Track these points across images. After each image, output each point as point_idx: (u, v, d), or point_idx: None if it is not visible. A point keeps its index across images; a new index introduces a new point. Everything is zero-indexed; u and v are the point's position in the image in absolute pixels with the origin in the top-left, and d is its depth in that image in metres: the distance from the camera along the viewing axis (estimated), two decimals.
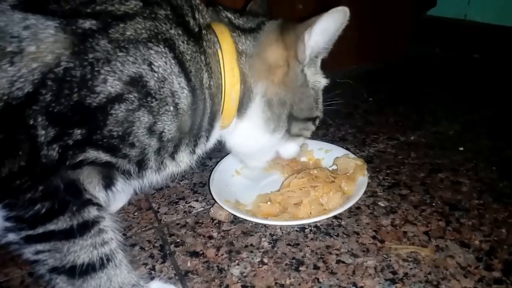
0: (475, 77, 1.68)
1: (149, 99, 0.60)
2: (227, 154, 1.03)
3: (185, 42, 0.65)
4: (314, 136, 1.17)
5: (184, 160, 0.72)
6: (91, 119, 0.57)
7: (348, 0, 1.66)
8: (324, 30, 0.71)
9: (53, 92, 0.53)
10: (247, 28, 0.77)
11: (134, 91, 0.58)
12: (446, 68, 1.82)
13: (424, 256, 0.74)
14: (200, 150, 0.75)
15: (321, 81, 0.82)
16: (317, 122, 0.86)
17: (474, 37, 1.83)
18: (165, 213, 0.92)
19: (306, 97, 0.79)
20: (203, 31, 0.69)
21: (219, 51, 0.72)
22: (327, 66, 0.83)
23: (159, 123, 0.63)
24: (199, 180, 1.03)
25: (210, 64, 0.69)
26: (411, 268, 0.72)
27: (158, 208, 0.94)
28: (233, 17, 0.77)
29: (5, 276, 0.75)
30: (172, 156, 0.69)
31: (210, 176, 0.95)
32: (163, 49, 0.61)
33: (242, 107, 0.76)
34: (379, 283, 0.69)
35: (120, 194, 0.92)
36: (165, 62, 0.61)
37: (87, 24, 0.56)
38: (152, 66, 0.60)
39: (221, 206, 0.85)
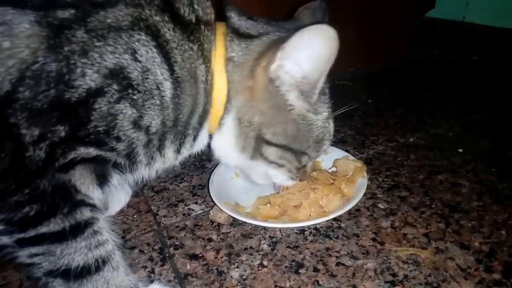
0: (474, 79, 1.69)
1: (130, 91, 0.58)
2: None
3: (171, 29, 0.61)
4: None
5: (170, 157, 0.70)
6: (73, 114, 0.55)
7: (347, 2, 1.67)
8: (302, 51, 0.63)
9: (31, 88, 0.52)
10: (245, 34, 0.71)
11: (114, 83, 0.56)
12: (445, 70, 1.82)
13: (424, 258, 0.74)
14: (186, 150, 0.72)
15: (316, 119, 0.73)
16: (303, 160, 0.77)
17: (473, 38, 1.83)
18: (164, 216, 0.91)
19: (282, 122, 0.71)
20: (201, 24, 0.66)
21: (213, 51, 0.68)
22: None
23: (145, 117, 0.60)
24: (198, 183, 1.03)
25: (208, 58, 0.67)
26: (411, 270, 0.72)
27: (157, 210, 0.94)
28: (237, 18, 0.72)
29: (3, 279, 0.75)
30: (159, 150, 0.67)
31: (209, 178, 0.94)
32: (144, 37, 0.58)
33: (222, 116, 0.72)
34: (379, 285, 0.69)
35: (120, 195, 0.92)
36: (147, 51, 0.58)
37: (66, 14, 0.53)
38: (136, 56, 0.57)
39: (220, 209, 0.84)
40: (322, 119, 0.74)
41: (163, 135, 0.65)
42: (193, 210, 0.93)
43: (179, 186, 1.03)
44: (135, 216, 0.92)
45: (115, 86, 0.56)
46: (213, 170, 0.98)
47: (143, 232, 0.87)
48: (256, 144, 0.72)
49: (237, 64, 0.69)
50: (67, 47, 0.53)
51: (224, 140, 0.74)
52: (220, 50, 0.69)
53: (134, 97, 0.58)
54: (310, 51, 0.62)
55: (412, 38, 1.90)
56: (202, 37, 0.66)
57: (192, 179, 1.05)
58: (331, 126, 0.77)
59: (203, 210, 0.93)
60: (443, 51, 1.96)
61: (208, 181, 0.94)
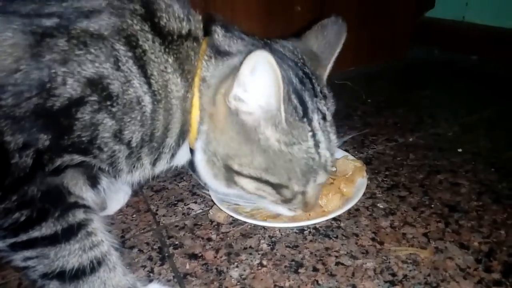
0: (473, 79, 1.69)
1: (109, 102, 0.57)
2: None
3: (150, 40, 0.60)
4: None
5: (147, 167, 0.69)
6: (56, 123, 0.55)
7: (347, 2, 1.67)
8: (251, 79, 0.58)
9: (14, 96, 0.52)
10: (224, 52, 0.66)
11: (94, 94, 0.56)
12: (444, 69, 1.82)
13: (423, 257, 0.74)
14: (162, 166, 0.71)
15: (290, 151, 0.63)
16: (285, 193, 0.68)
17: (473, 38, 1.83)
18: (163, 215, 0.91)
19: (248, 154, 0.64)
20: (185, 37, 0.64)
21: (196, 68, 0.66)
22: None
23: (126, 131, 0.60)
24: (198, 182, 1.03)
25: (189, 74, 0.64)
26: (410, 270, 0.72)
27: (157, 210, 0.93)
28: (221, 33, 0.68)
29: (2, 279, 0.75)
30: (139, 161, 0.66)
31: None
32: (123, 48, 0.58)
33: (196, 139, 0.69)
34: (379, 285, 0.69)
35: (119, 195, 0.92)
36: (127, 62, 0.58)
37: (49, 22, 0.54)
38: (119, 64, 0.57)
39: (220, 208, 0.84)
40: (302, 149, 0.64)
41: (141, 148, 0.65)
42: (193, 209, 0.93)
43: (178, 186, 1.02)
44: (134, 216, 0.92)
45: (94, 97, 0.56)
46: None
47: (142, 231, 0.86)
48: (228, 173, 0.67)
49: (207, 86, 0.65)
50: (49, 55, 0.53)
51: (198, 165, 0.71)
52: (198, 68, 0.66)
53: (113, 109, 0.58)
54: (257, 79, 0.58)
55: (412, 37, 1.90)
56: (184, 51, 0.64)
57: (192, 178, 1.05)
58: (322, 154, 0.66)
59: (202, 209, 0.93)
60: (442, 51, 1.96)
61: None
